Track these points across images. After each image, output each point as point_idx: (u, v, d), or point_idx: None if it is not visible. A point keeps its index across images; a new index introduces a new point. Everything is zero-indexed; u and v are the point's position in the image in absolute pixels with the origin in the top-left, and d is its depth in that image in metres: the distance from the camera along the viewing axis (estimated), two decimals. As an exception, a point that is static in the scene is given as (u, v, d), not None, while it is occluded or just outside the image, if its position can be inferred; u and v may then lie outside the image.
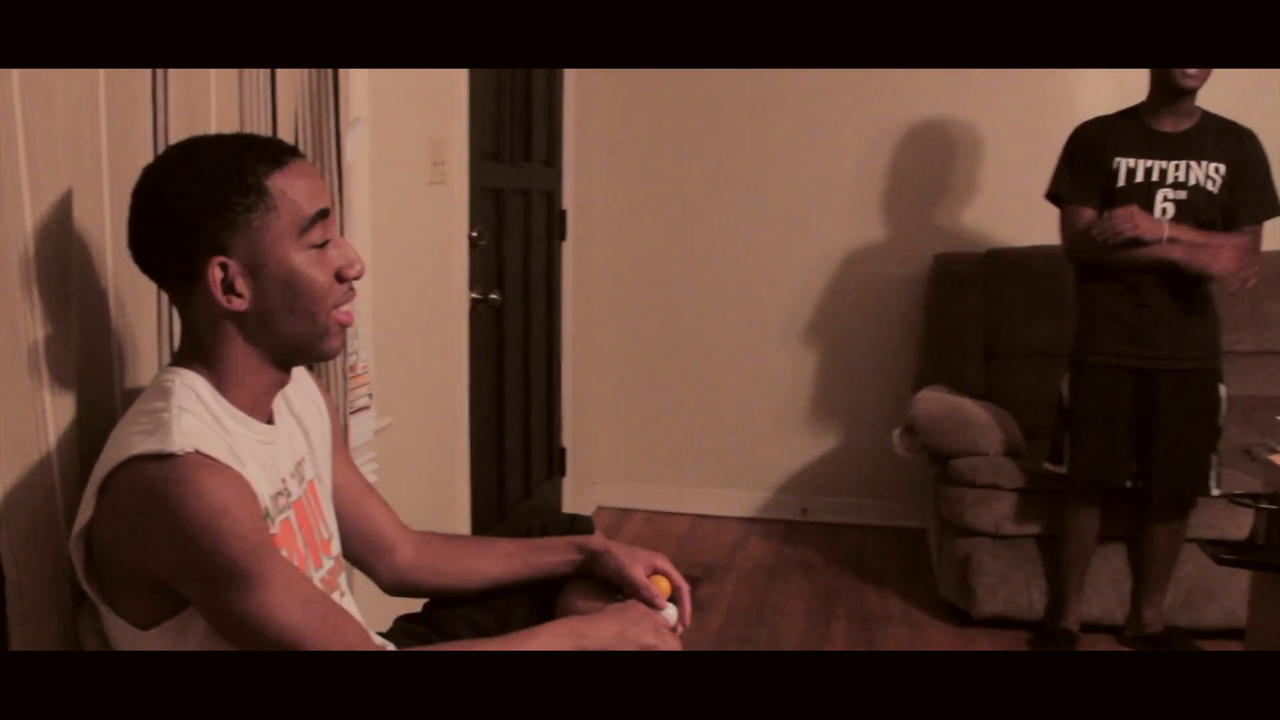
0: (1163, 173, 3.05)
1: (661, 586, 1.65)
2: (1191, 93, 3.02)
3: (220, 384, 1.35)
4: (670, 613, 1.64)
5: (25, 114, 1.28)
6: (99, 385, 1.46)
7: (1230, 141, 3.08)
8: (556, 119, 3.98)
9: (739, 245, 4.42)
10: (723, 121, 4.37)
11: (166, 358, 1.58)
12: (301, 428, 1.53)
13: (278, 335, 1.35)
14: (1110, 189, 3.09)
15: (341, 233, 1.41)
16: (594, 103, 4.35)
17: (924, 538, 4.15)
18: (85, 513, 1.25)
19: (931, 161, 4.24)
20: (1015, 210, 4.09)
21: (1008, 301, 3.98)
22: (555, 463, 4.19)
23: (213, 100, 1.64)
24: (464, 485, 3.13)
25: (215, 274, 1.30)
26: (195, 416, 1.27)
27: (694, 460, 4.60)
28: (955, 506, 3.36)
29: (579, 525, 1.79)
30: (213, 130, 1.61)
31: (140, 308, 1.53)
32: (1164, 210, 3.05)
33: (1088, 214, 3.11)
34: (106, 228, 1.45)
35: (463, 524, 3.11)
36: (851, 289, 4.35)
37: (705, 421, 4.56)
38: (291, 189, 1.32)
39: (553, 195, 4.00)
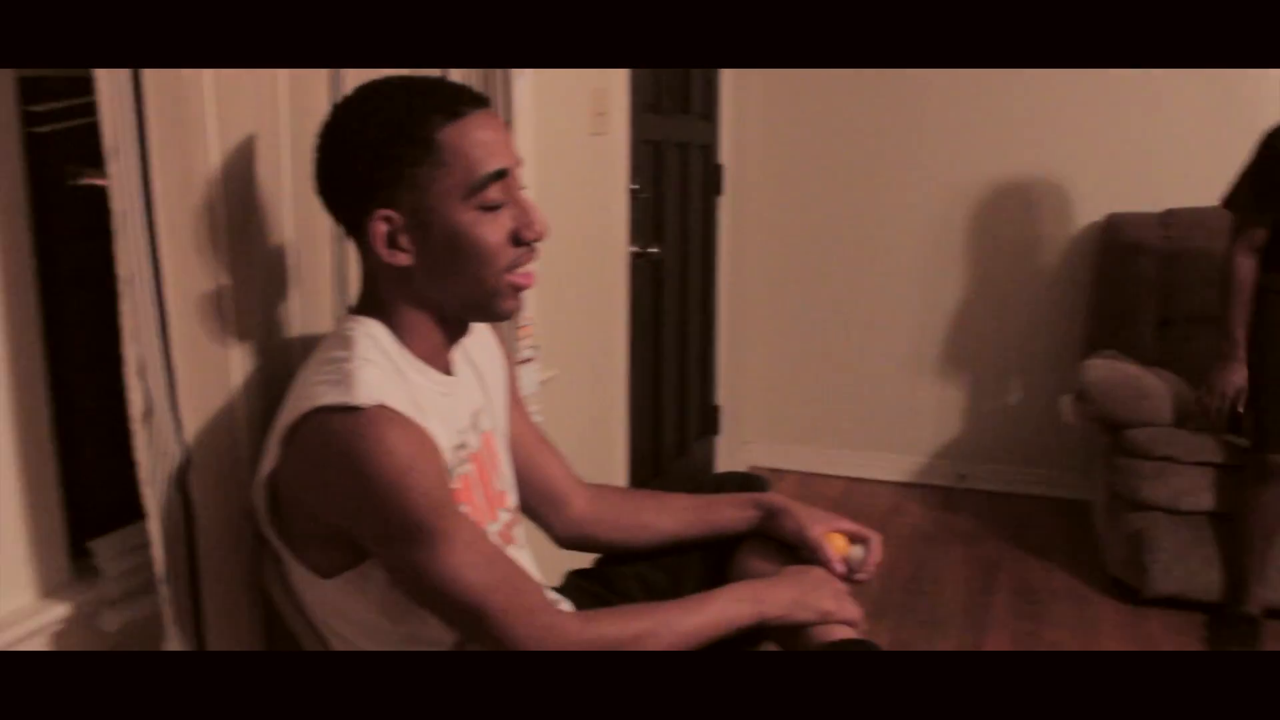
0: None
1: (836, 545, 1.58)
2: None
3: (400, 333, 1.33)
4: (856, 551, 1.58)
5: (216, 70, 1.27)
6: (279, 331, 1.46)
7: None
8: (714, 71, 3.91)
9: (897, 203, 4.30)
10: (883, 77, 4.24)
11: (340, 305, 1.57)
12: (479, 377, 1.50)
13: (445, 294, 1.32)
14: None
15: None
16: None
17: (1089, 510, 4.01)
18: (269, 460, 1.25)
19: (1104, 116, 4.04)
20: (1194, 167, 3.90)
21: (1185, 264, 3.77)
22: (709, 420, 4.15)
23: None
24: (622, 440, 3.11)
25: (379, 227, 1.27)
26: (378, 367, 1.25)
27: (849, 422, 4.51)
28: (1129, 479, 3.22)
29: (753, 483, 1.74)
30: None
31: (316, 253, 1.52)
32: None
33: (1259, 236, 2.96)
34: (285, 174, 1.44)
35: (619, 478, 3.10)
36: (1017, 249, 4.19)
37: (861, 383, 4.47)
38: (466, 144, 1.26)
39: (710, 149, 3.94)
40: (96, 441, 1.37)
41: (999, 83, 4.11)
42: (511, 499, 1.52)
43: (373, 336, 1.30)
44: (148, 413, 1.20)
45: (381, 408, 1.18)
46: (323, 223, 1.51)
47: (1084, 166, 4.07)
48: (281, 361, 1.44)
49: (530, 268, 1.35)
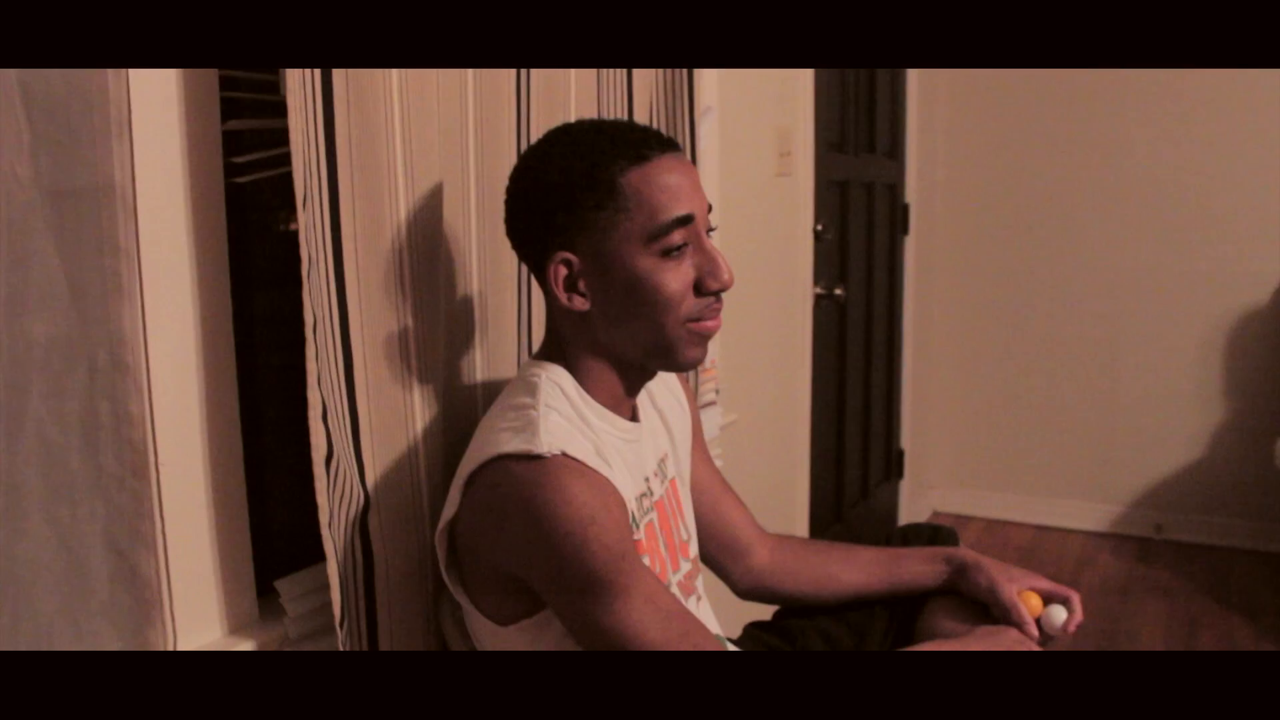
0: None
1: (1031, 605, 1.50)
2: None
3: (583, 380, 1.32)
4: (1056, 611, 1.50)
5: (403, 105, 1.29)
6: (462, 376, 1.47)
7: None
8: (900, 108, 3.84)
9: (1091, 239, 4.13)
10: (1072, 116, 4.08)
11: (525, 351, 1.58)
12: (664, 422, 1.48)
13: (624, 341, 1.29)
14: None
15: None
16: (936, 93, 4.18)
17: (1304, 567, 3.77)
18: (451, 507, 1.25)
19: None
20: None
21: None
22: (893, 465, 4.06)
23: (572, 95, 1.63)
24: (803, 485, 3.05)
25: (559, 270, 1.26)
26: (561, 415, 1.24)
27: (1037, 468, 4.35)
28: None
29: (942, 536, 1.67)
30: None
31: (502, 299, 1.53)
32: None
33: None
34: (472, 220, 1.46)
35: (801, 524, 3.04)
36: (1223, 284, 3.97)
37: (1050, 427, 4.30)
38: (649, 188, 1.23)
39: (895, 188, 3.86)
40: (286, 482, 1.40)
41: (1198, 108, 3.92)
42: (693, 548, 1.50)
43: (557, 383, 1.29)
44: (329, 456, 1.22)
45: (565, 457, 1.17)
46: (508, 269, 1.52)
47: (1297, 203, 3.85)
48: (465, 407, 1.45)
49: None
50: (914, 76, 3.91)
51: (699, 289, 1.27)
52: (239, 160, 1.28)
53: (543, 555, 1.16)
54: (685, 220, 1.25)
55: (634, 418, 1.39)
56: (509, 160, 1.48)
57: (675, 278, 1.25)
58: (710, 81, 2.27)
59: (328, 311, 1.22)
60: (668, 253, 1.25)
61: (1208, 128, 3.91)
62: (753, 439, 2.67)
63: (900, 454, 4.10)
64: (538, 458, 1.16)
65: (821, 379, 3.18)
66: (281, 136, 1.17)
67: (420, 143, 1.33)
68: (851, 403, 3.54)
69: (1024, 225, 4.22)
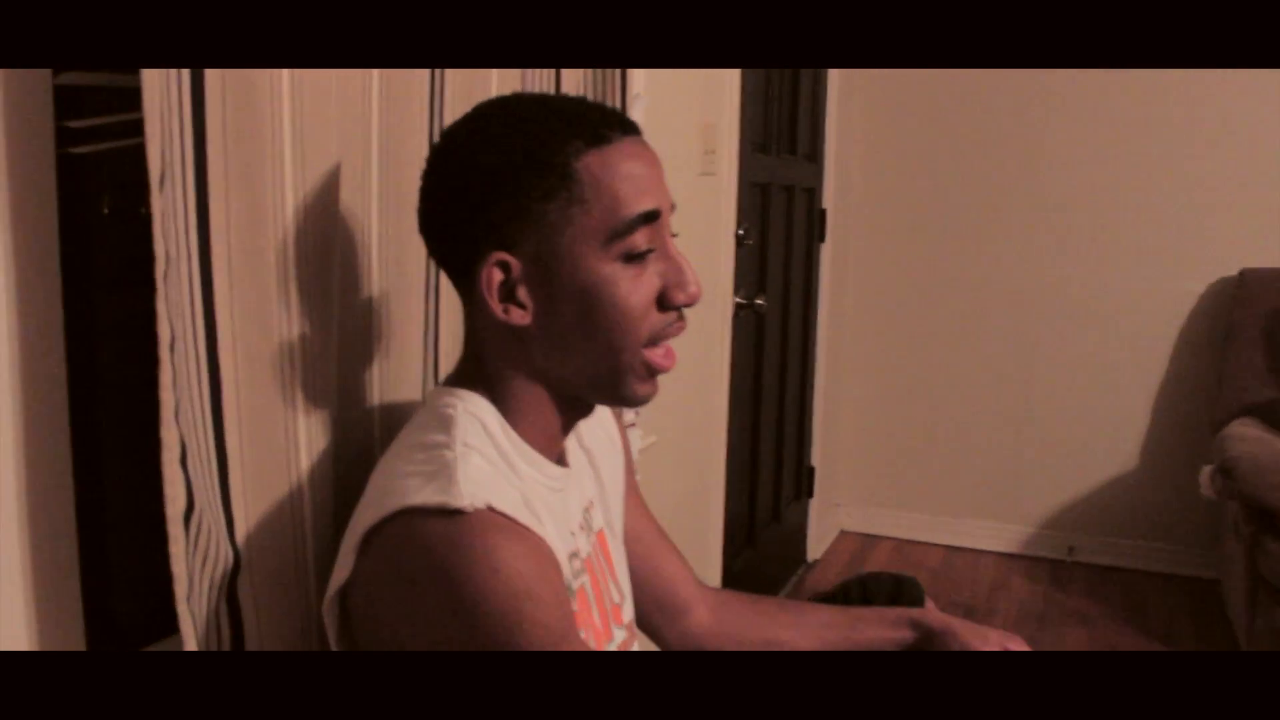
0: None
1: None
2: None
3: (509, 413, 1.07)
4: None
5: (294, 82, 1.03)
6: (356, 401, 1.21)
7: None
8: (820, 110, 3.65)
9: (1006, 256, 4.00)
10: (990, 123, 3.95)
11: (432, 375, 1.32)
12: (592, 464, 1.24)
13: (568, 366, 1.05)
14: None
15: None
16: (854, 97, 4.00)
17: (1217, 590, 3.68)
18: (343, 569, 0.98)
19: (1231, 166, 3.72)
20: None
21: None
22: (804, 483, 3.86)
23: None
24: (718, 508, 2.83)
25: (493, 275, 1.01)
26: (484, 458, 0.99)
27: (949, 486, 4.20)
28: None
29: (906, 590, 1.46)
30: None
31: (407, 308, 1.27)
32: None
33: None
34: (373, 210, 1.20)
35: (714, 550, 2.82)
36: (1138, 305, 3.86)
37: (962, 445, 4.15)
38: (611, 177, 1.00)
39: (814, 193, 3.67)
40: (136, 540, 1.12)
41: (1117, 121, 3.80)
42: (628, 611, 1.25)
43: (477, 416, 1.04)
44: (189, 510, 0.95)
45: (490, 512, 0.93)
46: (414, 271, 1.27)
47: (1214, 218, 3.74)
48: (361, 444, 1.19)
49: (673, 342, 1.08)
50: (835, 78, 3.72)
51: (663, 303, 1.04)
52: (76, 125, 1.00)
53: (464, 637, 0.91)
54: (651, 217, 1.02)
55: (563, 461, 1.15)
56: (421, 139, 1.23)
57: (637, 288, 1.03)
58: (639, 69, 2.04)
59: (189, 324, 0.95)
60: (631, 257, 1.02)
61: (1127, 142, 3.80)
62: (669, 462, 2.44)
63: (810, 471, 3.91)
64: (456, 512, 0.92)
65: (738, 395, 2.96)
66: (134, 96, 0.90)
67: (314, 115, 1.06)
68: (766, 419, 3.34)
69: (939, 238, 4.06)
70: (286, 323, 1.05)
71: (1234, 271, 3.70)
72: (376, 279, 1.22)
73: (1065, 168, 3.88)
